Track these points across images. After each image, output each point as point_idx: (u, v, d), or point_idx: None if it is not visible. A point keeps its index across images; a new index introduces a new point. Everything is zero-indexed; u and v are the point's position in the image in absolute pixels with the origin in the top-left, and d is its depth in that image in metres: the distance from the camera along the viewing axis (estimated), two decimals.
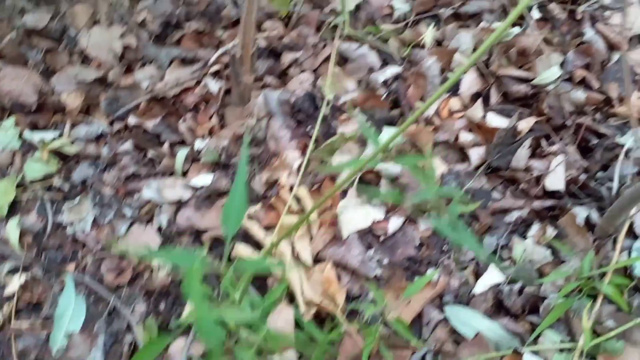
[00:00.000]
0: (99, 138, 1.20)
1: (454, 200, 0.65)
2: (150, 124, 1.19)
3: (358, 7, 1.42)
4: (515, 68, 1.24)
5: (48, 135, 1.19)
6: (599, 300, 0.83)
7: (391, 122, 1.18)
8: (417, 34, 1.32)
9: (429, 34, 1.21)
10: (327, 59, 1.27)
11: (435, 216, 0.59)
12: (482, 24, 1.32)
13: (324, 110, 1.15)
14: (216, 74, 1.27)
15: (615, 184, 0.96)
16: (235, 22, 1.42)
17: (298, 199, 1.03)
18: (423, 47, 1.24)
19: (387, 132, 1.14)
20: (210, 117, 1.20)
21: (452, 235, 0.55)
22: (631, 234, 0.89)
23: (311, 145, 1.10)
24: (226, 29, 1.43)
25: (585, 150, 1.10)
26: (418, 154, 1.14)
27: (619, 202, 0.83)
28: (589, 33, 1.27)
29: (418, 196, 0.78)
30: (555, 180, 1.02)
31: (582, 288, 0.85)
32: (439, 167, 1.10)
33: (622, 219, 0.86)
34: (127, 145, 1.16)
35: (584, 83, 1.20)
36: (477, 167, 1.10)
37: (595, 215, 0.93)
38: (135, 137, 1.18)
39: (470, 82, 1.23)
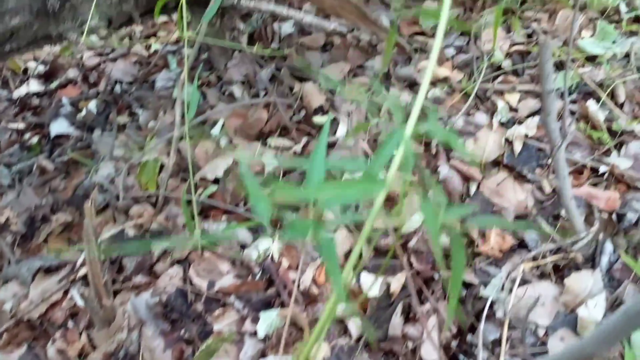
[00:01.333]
0: None
1: None
2: (16, 355, 1.11)
3: (228, 172, 1.42)
4: (383, 217, 1.27)
5: None
6: None
7: (269, 304, 1.16)
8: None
9: (274, 246, 1.22)
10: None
11: None
12: (345, 176, 1.35)
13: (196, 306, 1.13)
14: (84, 278, 1.22)
15: (480, 352, 0.98)
16: (105, 207, 1.39)
17: None
18: (273, 259, 1.23)
19: (265, 318, 1.13)
20: (80, 334, 1.14)
21: None
22: None
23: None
24: (96, 215, 1.39)
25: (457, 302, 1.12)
26: (300, 334, 1.12)
27: None
28: (444, 170, 1.33)
29: None
30: (431, 350, 1.03)
31: None
32: (321, 350, 1.09)
33: None
34: None
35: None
36: (358, 339, 1.10)
37: None
38: None
39: (341, 242, 1.24)
